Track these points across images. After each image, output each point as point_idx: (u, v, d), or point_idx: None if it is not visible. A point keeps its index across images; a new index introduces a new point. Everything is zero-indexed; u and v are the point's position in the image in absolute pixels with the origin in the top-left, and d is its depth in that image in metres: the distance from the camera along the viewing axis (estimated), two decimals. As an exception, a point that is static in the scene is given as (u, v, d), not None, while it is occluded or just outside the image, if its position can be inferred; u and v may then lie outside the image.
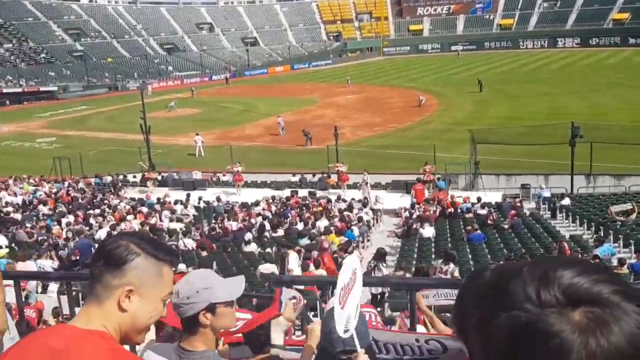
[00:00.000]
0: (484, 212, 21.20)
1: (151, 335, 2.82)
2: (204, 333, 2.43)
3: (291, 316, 2.83)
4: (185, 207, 24.02)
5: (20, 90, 72.33)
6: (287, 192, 27.31)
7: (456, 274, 11.97)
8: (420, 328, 3.60)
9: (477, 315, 0.95)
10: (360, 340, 2.42)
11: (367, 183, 26.95)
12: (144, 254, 1.76)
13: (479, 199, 22.94)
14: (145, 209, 23.58)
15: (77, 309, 2.33)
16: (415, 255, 16.94)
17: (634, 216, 18.99)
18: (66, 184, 30.52)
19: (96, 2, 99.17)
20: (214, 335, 2.49)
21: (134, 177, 32.98)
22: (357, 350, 2.42)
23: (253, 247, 17.17)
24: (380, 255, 13.20)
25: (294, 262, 12.51)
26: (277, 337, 2.74)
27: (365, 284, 2.51)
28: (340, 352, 2.42)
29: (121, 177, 32.46)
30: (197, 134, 38.28)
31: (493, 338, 0.89)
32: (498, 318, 0.89)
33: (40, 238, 18.43)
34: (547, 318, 0.84)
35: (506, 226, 19.47)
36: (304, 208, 23.04)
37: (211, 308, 2.40)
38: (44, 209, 24.13)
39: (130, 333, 1.79)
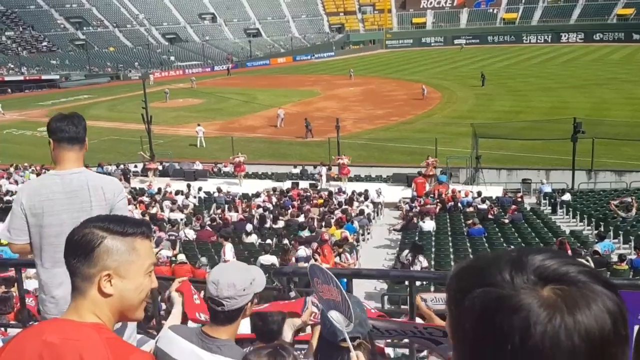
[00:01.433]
0: (484, 206, 21.21)
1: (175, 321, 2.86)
2: (238, 323, 2.47)
3: (307, 320, 2.87)
4: (187, 197, 24.05)
5: (22, 78, 72.26)
6: (287, 184, 27.34)
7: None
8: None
9: (455, 293, 1.00)
10: (361, 327, 2.45)
11: (321, 175, 27.44)
12: (109, 235, 1.75)
13: (479, 193, 22.95)
14: (146, 199, 23.60)
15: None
16: (415, 249, 16.95)
17: (634, 212, 19.00)
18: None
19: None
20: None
21: (135, 166, 32.99)
22: (359, 337, 2.45)
23: (253, 238, 17.20)
24: (416, 248, 13.30)
25: (229, 253, 12.60)
26: (287, 334, 2.78)
27: (364, 277, 2.53)
28: (342, 340, 2.45)
29: (121, 167, 32.43)
30: (198, 125, 38.28)
31: (466, 312, 0.94)
32: (473, 292, 0.94)
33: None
34: (518, 293, 0.90)
35: (506, 221, 19.47)
36: (304, 200, 23.06)
37: (252, 299, 2.47)
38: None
39: (125, 312, 1.80)
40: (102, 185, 3.37)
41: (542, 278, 0.91)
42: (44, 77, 73.14)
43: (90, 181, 3.35)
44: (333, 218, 18.90)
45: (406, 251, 13.66)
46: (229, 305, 2.39)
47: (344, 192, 24.67)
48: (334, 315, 2.40)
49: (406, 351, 4.25)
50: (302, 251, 13.66)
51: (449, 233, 18.83)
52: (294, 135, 38.66)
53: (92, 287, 1.73)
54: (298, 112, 44.03)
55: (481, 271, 0.97)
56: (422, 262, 12.91)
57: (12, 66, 75.86)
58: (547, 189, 24.41)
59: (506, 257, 0.97)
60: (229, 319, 2.43)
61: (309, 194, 24.76)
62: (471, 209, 21.43)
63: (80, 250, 1.73)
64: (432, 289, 10.34)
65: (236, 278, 2.41)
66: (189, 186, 25.74)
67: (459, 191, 24.07)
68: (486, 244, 16.99)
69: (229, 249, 13.10)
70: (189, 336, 2.44)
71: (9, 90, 68.38)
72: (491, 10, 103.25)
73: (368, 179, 29.24)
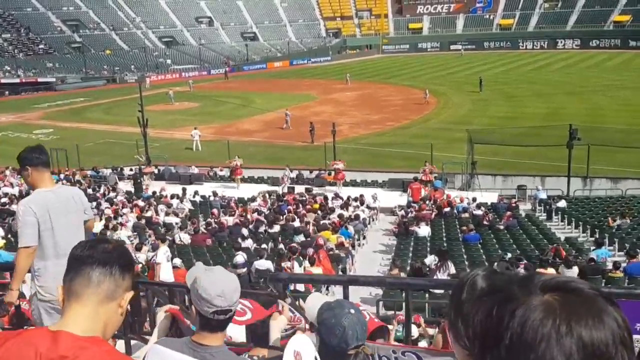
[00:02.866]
0: (479, 212, 21.22)
1: None
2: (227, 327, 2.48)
3: (289, 317, 2.89)
4: (182, 201, 24.00)
5: (18, 80, 72.12)
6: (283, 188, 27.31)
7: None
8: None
9: (467, 306, 1.10)
10: (355, 340, 2.46)
11: (284, 177, 27.77)
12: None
13: (474, 199, 22.96)
14: (141, 203, 23.55)
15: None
16: (410, 255, 16.95)
17: (628, 220, 19.05)
18: (62, 175, 30.42)
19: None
20: None
21: (131, 170, 32.91)
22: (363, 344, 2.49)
23: (249, 243, 17.16)
24: (443, 254, 13.25)
25: (161, 256, 12.21)
26: (275, 334, 2.78)
27: (363, 284, 2.54)
28: (353, 347, 2.47)
29: (111, 170, 32.27)
30: (195, 128, 38.23)
31: (476, 311, 1.03)
32: (482, 297, 1.05)
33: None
34: (521, 295, 0.99)
35: (501, 227, 19.49)
36: (300, 204, 23.03)
37: None
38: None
39: (110, 332, 1.80)
40: (78, 193, 4.73)
41: (543, 288, 0.99)
42: (40, 79, 73.00)
43: (70, 192, 4.68)
44: (328, 223, 18.90)
45: (432, 257, 13.55)
46: (234, 309, 2.43)
47: (340, 197, 24.66)
48: None
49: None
50: (240, 257, 13.31)
51: (444, 239, 18.84)
52: (295, 140, 38.57)
53: (119, 298, 1.74)
54: (295, 116, 44.06)
55: (493, 285, 1.08)
56: (450, 268, 12.73)
57: (8, 68, 75.71)
58: (543, 195, 24.43)
59: (516, 276, 1.07)
60: (225, 323, 2.44)
61: (304, 198, 24.73)
62: (466, 214, 21.44)
63: (127, 262, 1.79)
64: (427, 296, 10.34)
65: (235, 282, 2.43)
66: (184, 190, 25.69)
67: (455, 197, 24.09)
68: (481, 250, 17.01)
69: (162, 252, 12.30)
70: (179, 348, 2.42)
71: (7, 92, 68.25)
72: (487, 16, 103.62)
73: (364, 184, 29.23)
